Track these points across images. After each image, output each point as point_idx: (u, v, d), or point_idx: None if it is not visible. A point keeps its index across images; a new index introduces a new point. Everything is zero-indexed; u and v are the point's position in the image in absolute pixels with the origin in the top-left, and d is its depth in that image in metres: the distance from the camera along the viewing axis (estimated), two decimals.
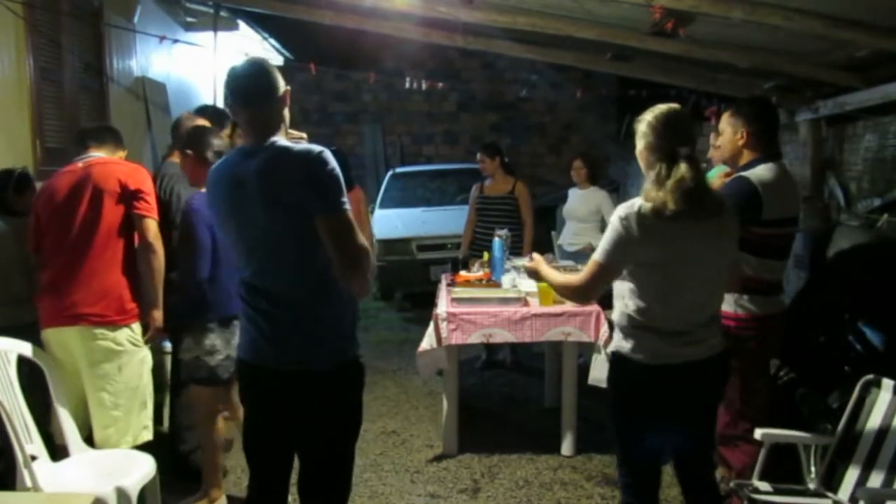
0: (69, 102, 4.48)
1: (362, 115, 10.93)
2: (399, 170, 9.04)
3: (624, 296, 2.22)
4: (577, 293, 2.37)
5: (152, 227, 2.84)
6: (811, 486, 2.55)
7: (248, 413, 2.23)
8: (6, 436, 2.31)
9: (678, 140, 2.15)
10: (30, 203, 3.03)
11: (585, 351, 3.90)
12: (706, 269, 2.18)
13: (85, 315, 2.73)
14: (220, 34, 6.58)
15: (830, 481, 2.51)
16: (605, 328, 3.56)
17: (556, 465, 3.64)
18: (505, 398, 4.74)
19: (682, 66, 5.27)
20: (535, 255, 2.69)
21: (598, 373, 3.58)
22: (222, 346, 2.96)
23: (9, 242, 3.10)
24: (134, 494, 2.47)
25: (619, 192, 9.10)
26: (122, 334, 2.80)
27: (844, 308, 3.37)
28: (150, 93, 5.85)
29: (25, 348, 2.69)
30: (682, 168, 2.08)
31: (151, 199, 2.87)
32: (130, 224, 2.84)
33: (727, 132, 2.74)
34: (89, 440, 2.82)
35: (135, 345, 2.84)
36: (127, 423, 2.82)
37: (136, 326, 2.86)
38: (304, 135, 2.21)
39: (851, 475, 2.43)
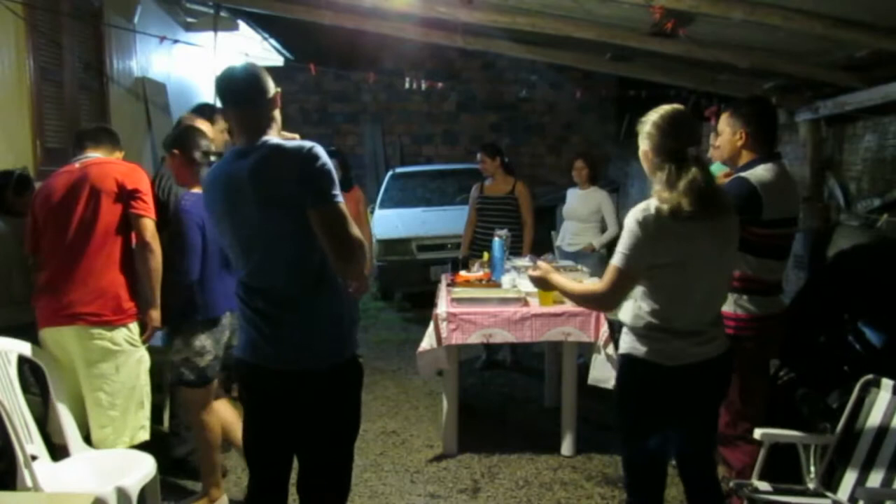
0: (69, 102, 4.48)
1: (362, 115, 10.93)
2: (399, 170, 9.05)
3: (636, 297, 2.21)
4: (601, 303, 2.30)
5: (149, 226, 2.84)
6: (811, 486, 2.55)
7: (247, 413, 2.24)
8: (6, 436, 2.31)
9: (685, 140, 2.15)
10: (29, 204, 3.03)
11: (585, 351, 3.90)
12: (717, 267, 2.20)
13: (82, 315, 2.73)
14: (220, 34, 6.58)
15: (830, 481, 2.51)
16: (605, 328, 3.57)
17: (556, 465, 3.64)
18: (505, 398, 4.74)
19: (682, 66, 5.27)
20: (541, 264, 2.61)
21: (598, 373, 3.59)
22: (212, 346, 2.99)
23: (9, 243, 3.11)
24: (134, 494, 2.47)
25: (618, 192, 9.11)
26: (120, 334, 2.80)
27: (844, 308, 3.37)
28: (150, 93, 5.85)
29: (25, 348, 2.70)
30: (693, 169, 2.09)
31: (148, 198, 2.87)
32: (128, 224, 2.84)
33: (726, 133, 2.74)
34: (88, 440, 2.82)
35: (132, 345, 2.84)
36: (123, 423, 2.82)
37: (134, 326, 2.86)
38: (297, 136, 2.21)
39: (851, 475, 2.43)
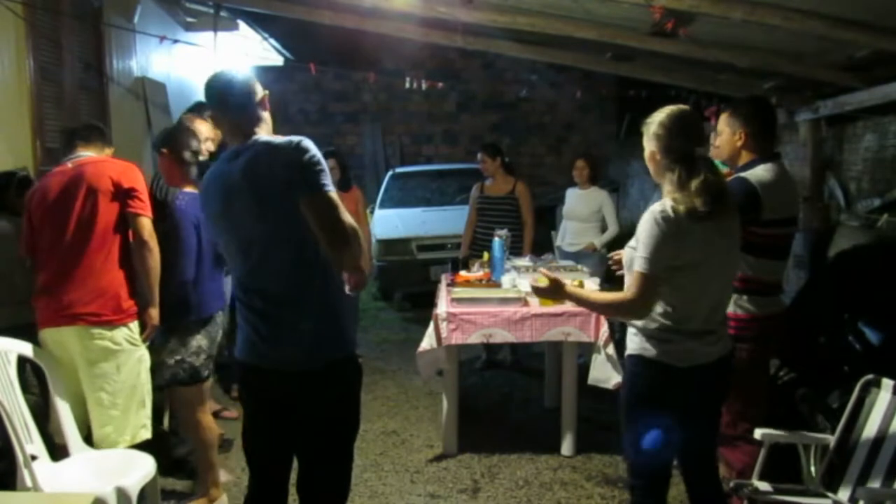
0: (69, 102, 4.48)
1: (362, 115, 10.93)
2: (399, 170, 9.05)
3: None
4: (632, 311, 2.17)
5: (147, 225, 2.84)
6: (811, 486, 2.56)
7: (246, 413, 2.24)
8: (6, 436, 2.31)
9: (694, 140, 2.14)
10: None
11: (585, 351, 3.90)
12: (727, 267, 2.21)
13: (82, 315, 2.73)
14: (220, 34, 6.58)
15: (830, 481, 2.51)
16: (605, 328, 3.56)
17: (556, 465, 3.64)
18: (505, 398, 4.74)
19: (682, 66, 5.27)
20: (551, 274, 2.43)
21: (598, 373, 3.59)
22: (207, 345, 3.02)
23: (12, 243, 3.10)
24: (134, 494, 2.47)
25: (619, 192, 9.12)
26: (120, 333, 2.80)
27: (844, 308, 3.37)
28: (150, 93, 5.85)
29: (25, 348, 2.70)
30: (704, 169, 2.09)
31: (145, 196, 2.88)
32: (125, 223, 2.84)
33: (725, 133, 2.74)
34: (89, 440, 2.82)
35: (132, 344, 2.84)
36: (125, 422, 2.82)
37: (134, 325, 2.86)
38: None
39: (851, 475, 2.43)
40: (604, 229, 5.29)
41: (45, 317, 2.79)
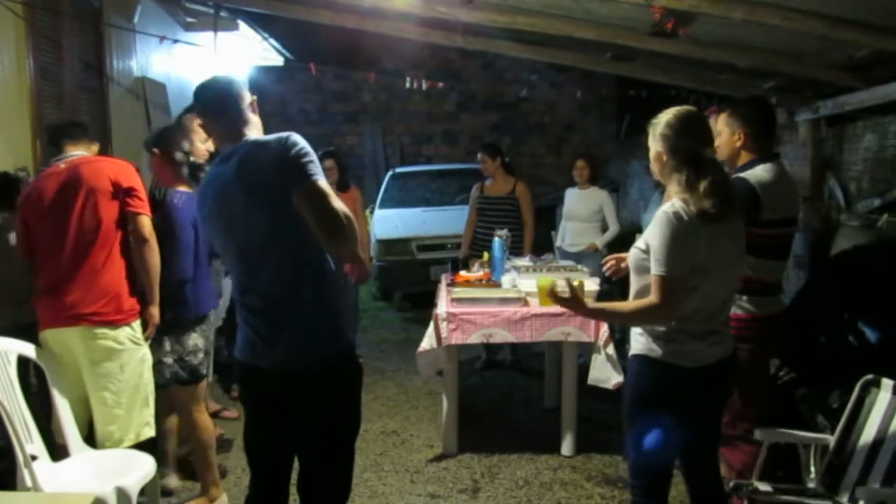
0: (69, 102, 4.48)
1: (362, 115, 10.93)
2: (399, 170, 9.05)
3: None
4: (660, 315, 2.13)
5: (147, 223, 2.84)
6: (811, 486, 2.56)
7: (247, 413, 2.25)
8: (6, 436, 2.31)
9: (700, 141, 2.14)
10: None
11: (585, 351, 3.90)
12: (733, 268, 2.20)
13: (85, 315, 2.73)
14: (220, 34, 6.58)
15: (830, 481, 2.51)
16: (604, 328, 3.56)
17: (556, 465, 3.64)
18: (505, 398, 4.74)
19: (682, 66, 5.26)
20: (566, 282, 2.35)
21: (598, 373, 3.59)
22: (203, 343, 3.06)
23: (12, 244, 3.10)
24: (134, 494, 2.47)
25: (618, 192, 9.11)
26: (123, 333, 2.80)
27: (844, 308, 3.37)
28: (150, 93, 5.84)
29: (26, 348, 2.70)
30: (712, 170, 2.08)
31: (143, 195, 2.88)
32: (124, 222, 2.84)
33: (725, 133, 2.74)
34: (89, 440, 2.82)
35: (135, 343, 2.85)
36: (129, 421, 2.83)
37: (136, 324, 2.87)
38: None
39: (851, 475, 2.43)
40: (604, 229, 5.29)
41: (46, 317, 2.79)
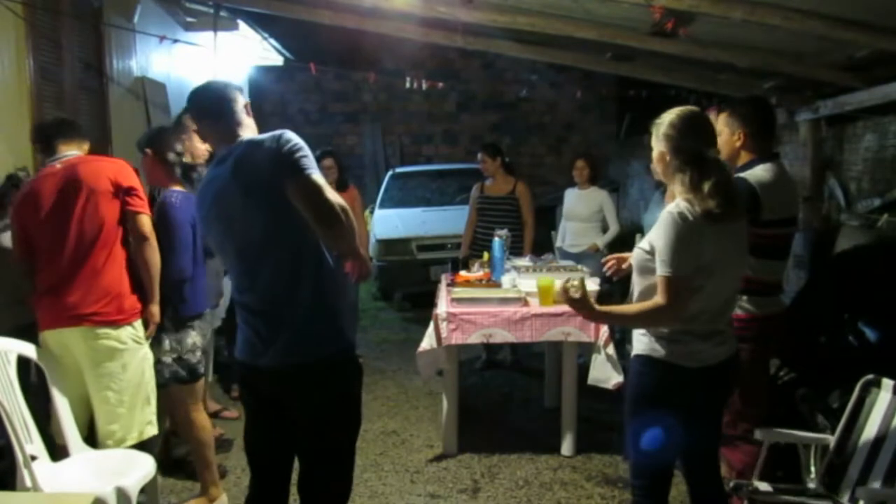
0: (69, 102, 4.47)
1: (362, 115, 10.93)
2: (399, 170, 9.05)
3: None
4: (667, 316, 2.12)
5: (147, 222, 2.85)
6: (811, 486, 2.55)
7: (247, 413, 2.26)
8: (6, 436, 2.31)
9: (704, 141, 2.14)
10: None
11: (585, 351, 3.90)
12: (736, 268, 2.20)
13: (87, 315, 2.73)
14: (220, 34, 6.58)
15: (830, 481, 2.51)
16: (604, 328, 3.56)
17: (556, 465, 3.64)
18: (505, 398, 4.74)
19: (682, 66, 5.26)
20: (579, 284, 2.28)
21: (598, 373, 3.59)
22: (200, 342, 3.10)
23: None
24: (134, 494, 2.47)
25: (618, 192, 9.11)
26: (125, 333, 2.80)
27: (844, 308, 3.37)
28: (150, 93, 5.84)
29: (25, 348, 2.70)
30: (716, 171, 2.08)
31: (143, 194, 2.89)
32: (124, 221, 2.84)
33: (724, 133, 2.73)
34: (89, 440, 2.82)
35: (137, 342, 2.85)
36: (131, 420, 2.83)
37: (138, 324, 2.87)
38: None
39: (851, 475, 2.43)
40: (604, 229, 5.28)
41: (47, 318, 2.78)
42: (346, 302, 2.15)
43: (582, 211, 5.31)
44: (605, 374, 3.56)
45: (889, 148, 4.35)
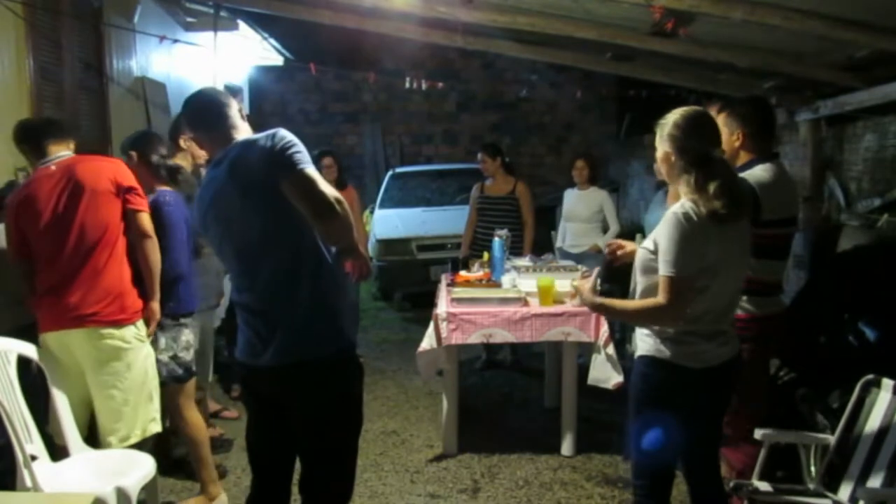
0: (69, 102, 4.47)
1: (362, 116, 10.93)
2: (399, 170, 9.04)
3: None
4: (666, 316, 2.11)
5: (147, 220, 2.86)
6: (811, 486, 2.56)
7: (249, 414, 2.26)
8: (6, 436, 2.31)
9: (709, 142, 2.13)
10: None
11: (585, 351, 3.90)
12: (739, 269, 2.20)
13: (89, 316, 2.72)
14: (220, 34, 6.57)
15: (830, 481, 2.51)
16: (604, 328, 3.56)
17: (556, 465, 3.64)
18: (505, 398, 4.74)
19: (682, 66, 5.27)
20: (585, 286, 2.36)
21: (598, 373, 3.58)
22: (193, 340, 3.14)
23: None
24: (134, 494, 2.47)
25: (618, 192, 9.11)
26: (129, 332, 2.81)
27: (844, 308, 3.37)
28: (150, 93, 5.84)
29: (26, 348, 2.70)
30: (721, 171, 2.08)
31: (142, 192, 2.89)
32: (124, 220, 2.84)
33: (724, 133, 2.72)
34: (89, 440, 2.82)
35: (140, 341, 2.86)
36: (135, 418, 2.83)
37: (140, 322, 2.87)
38: None
39: (851, 475, 2.43)
40: (605, 230, 5.28)
41: (48, 320, 2.77)
42: (347, 301, 2.15)
43: (582, 211, 5.30)
44: (605, 374, 3.56)
45: (889, 148, 4.35)
